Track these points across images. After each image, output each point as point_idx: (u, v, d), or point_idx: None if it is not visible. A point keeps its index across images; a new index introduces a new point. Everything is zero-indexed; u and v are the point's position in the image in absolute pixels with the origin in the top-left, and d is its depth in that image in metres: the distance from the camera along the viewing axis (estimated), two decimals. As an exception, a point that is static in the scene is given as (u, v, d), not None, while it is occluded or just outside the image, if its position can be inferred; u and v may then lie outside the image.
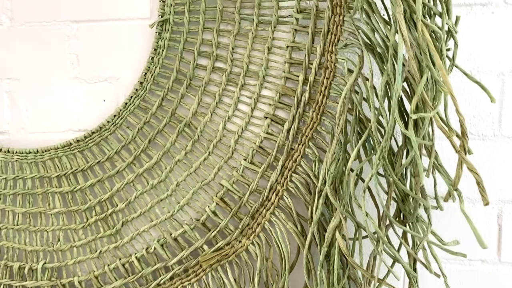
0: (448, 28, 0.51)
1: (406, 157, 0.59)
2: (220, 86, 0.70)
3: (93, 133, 0.73)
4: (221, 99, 0.70)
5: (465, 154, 0.48)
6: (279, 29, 0.68)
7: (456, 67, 0.52)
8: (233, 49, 0.69)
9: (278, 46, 0.68)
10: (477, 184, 0.45)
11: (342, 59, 0.61)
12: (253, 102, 0.69)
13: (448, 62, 0.52)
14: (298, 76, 0.67)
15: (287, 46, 0.67)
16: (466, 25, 0.63)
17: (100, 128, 0.72)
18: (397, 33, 0.51)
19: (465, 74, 0.52)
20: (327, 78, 0.64)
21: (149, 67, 0.71)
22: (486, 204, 0.44)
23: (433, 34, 0.50)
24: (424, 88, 0.49)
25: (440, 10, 0.51)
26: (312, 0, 0.64)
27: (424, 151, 0.59)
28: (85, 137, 0.73)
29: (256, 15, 0.68)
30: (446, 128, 0.47)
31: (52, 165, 0.74)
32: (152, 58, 0.71)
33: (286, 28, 0.68)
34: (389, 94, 0.56)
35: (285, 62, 0.68)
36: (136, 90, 0.71)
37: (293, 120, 0.67)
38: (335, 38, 0.63)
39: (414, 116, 0.46)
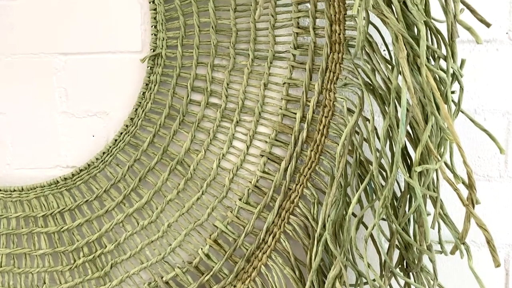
0: (453, 72, 0.49)
1: (409, 201, 0.56)
2: (215, 122, 0.67)
3: (81, 170, 0.70)
4: (216, 136, 0.68)
5: (473, 207, 0.46)
6: (275, 65, 0.65)
7: (462, 112, 0.50)
8: (228, 84, 0.67)
9: (274, 82, 0.66)
10: (487, 242, 0.42)
11: (341, 98, 0.59)
12: (249, 139, 0.66)
13: (453, 107, 0.50)
14: (295, 114, 0.64)
15: (284, 83, 0.65)
16: (470, 62, 0.61)
17: (89, 165, 0.69)
18: (400, 74, 0.49)
19: (472, 120, 0.49)
20: (325, 117, 0.62)
21: (140, 103, 0.68)
22: (498, 266, 0.41)
23: (437, 78, 0.48)
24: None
25: (445, 53, 0.48)
26: (310, 36, 0.62)
27: (429, 197, 0.56)
28: (73, 175, 0.70)
29: (252, 50, 0.65)
30: (453, 181, 0.45)
31: (38, 204, 0.71)
32: (144, 93, 0.68)
33: (283, 64, 0.65)
34: (391, 137, 0.54)
35: (282, 98, 0.65)
36: (126, 126, 0.68)
37: (291, 159, 0.64)
38: (333, 76, 0.60)
39: (418, 169, 0.44)
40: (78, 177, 0.70)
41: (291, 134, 0.65)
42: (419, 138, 0.52)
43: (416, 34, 0.50)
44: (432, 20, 0.51)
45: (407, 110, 0.49)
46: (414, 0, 0.45)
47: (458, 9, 0.47)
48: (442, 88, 0.48)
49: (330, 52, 0.61)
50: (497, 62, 0.61)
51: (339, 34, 0.59)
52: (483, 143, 0.62)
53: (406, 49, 0.47)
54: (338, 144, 0.61)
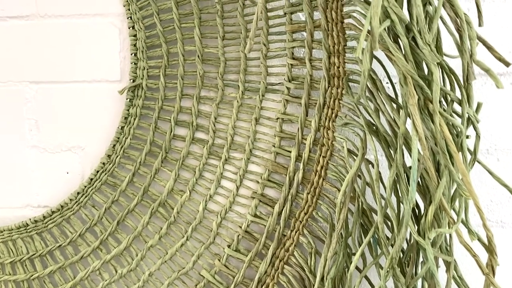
0: (469, 117, 0.43)
1: (417, 252, 0.51)
2: (201, 159, 0.61)
3: (53, 212, 0.63)
4: (202, 175, 0.62)
5: (494, 274, 0.40)
6: (268, 98, 0.60)
7: (479, 162, 0.45)
8: (215, 118, 0.61)
9: (267, 116, 0.60)
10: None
11: (341, 138, 0.54)
12: (239, 179, 0.61)
13: (468, 156, 0.44)
14: (290, 152, 0.59)
15: (277, 118, 0.59)
16: (481, 98, 0.56)
17: (62, 206, 0.63)
18: (409, 117, 0.44)
19: (490, 173, 0.44)
20: (323, 157, 0.56)
21: (118, 138, 0.62)
22: None
23: (450, 125, 0.43)
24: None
25: (460, 97, 0.43)
26: (306, 68, 0.56)
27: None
28: (44, 217, 0.64)
29: (242, 81, 0.60)
30: (470, 246, 0.39)
31: (5, 249, 0.64)
32: (122, 127, 0.62)
33: (276, 97, 0.60)
34: (398, 188, 0.48)
35: (275, 135, 0.59)
36: (103, 164, 0.62)
37: (285, 201, 0.59)
38: (332, 113, 0.55)
39: (432, 235, 0.38)
40: (50, 220, 0.64)
41: (286, 175, 0.59)
42: (429, 188, 0.47)
43: (426, 73, 0.44)
44: (444, 57, 0.46)
45: (418, 159, 0.43)
46: (425, 38, 0.40)
47: (475, 47, 0.42)
48: (456, 136, 0.43)
49: (328, 87, 0.55)
50: (511, 98, 0.56)
51: (338, 67, 0.54)
52: (496, 187, 0.57)
53: (417, 92, 0.42)
54: (338, 189, 0.55)
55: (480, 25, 0.44)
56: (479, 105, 0.45)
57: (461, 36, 0.41)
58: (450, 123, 0.41)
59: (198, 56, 0.60)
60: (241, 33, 0.59)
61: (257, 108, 0.60)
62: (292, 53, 0.58)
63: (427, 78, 0.43)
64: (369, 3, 0.48)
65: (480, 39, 0.43)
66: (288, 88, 0.58)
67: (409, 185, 0.40)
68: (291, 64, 0.58)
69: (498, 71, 0.56)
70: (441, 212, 0.44)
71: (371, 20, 0.37)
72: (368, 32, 0.40)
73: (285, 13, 0.57)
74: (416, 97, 0.40)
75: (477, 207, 0.39)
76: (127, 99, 0.62)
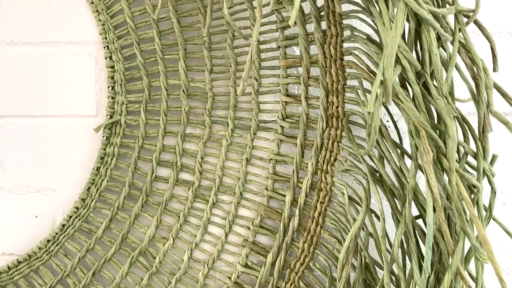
0: (484, 170, 0.40)
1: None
2: (186, 203, 0.57)
3: (20, 262, 0.57)
4: (187, 220, 0.57)
5: None
6: (260, 137, 0.56)
7: (494, 220, 0.42)
8: (202, 158, 0.56)
9: (259, 156, 0.56)
10: None
11: (341, 184, 0.50)
12: (228, 225, 0.56)
13: (483, 212, 0.41)
14: (284, 196, 0.55)
15: (271, 159, 0.55)
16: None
17: (30, 256, 0.57)
18: (419, 169, 0.40)
19: (506, 231, 0.41)
20: (321, 202, 0.52)
21: (93, 180, 0.57)
22: None
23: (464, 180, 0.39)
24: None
25: (475, 150, 0.40)
26: (301, 106, 0.52)
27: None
28: (9, 268, 0.57)
29: (232, 118, 0.55)
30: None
31: (-37, 304, 0.58)
32: (98, 168, 0.57)
33: (269, 135, 0.56)
34: (404, 242, 0.45)
35: (267, 177, 0.55)
36: (77, 208, 0.57)
37: (279, 250, 0.54)
38: (331, 156, 0.51)
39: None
40: (16, 271, 0.57)
41: (280, 221, 0.55)
42: (439, 244, 0.43)
43: (436, 119, 0.41)
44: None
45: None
46: (442, 90, 0.36)
47: (492, 97, 0.39)
48: (470, 192, 0.40)
49: (326, 127, 0.51)
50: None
51: (337, 107, 0.50)
52: (502, 233, 0.54)
53: (430, 146, 0.38)
54: (337, 239, 0.51)
55: (494, 70, 0.41)
56: (494, 157, 0.42)
57: (477, 85, 0.38)
58: (466, 181, 0.38)
59: (183, 90, 0.55)
60: (231, 66, 0.55)
61: (248, 147, 0.55)
62: (287, 90, 0.54)
63: (439, 128, 0.40)
64: (372, 42, 0.45)
65: (496, 85, 0.40)
66: (282, 127, 0.54)
67: (418, 242, 0.37)
68: (286, 102, 0.54)
69: (503, 110, 0.53)
70: (455, 278, 0.40)
71: (384, 71, 0.34)
72: (380, 82, 0.36)
73: (278, 47, 0.53)
74: (431, 155, 0.36)
75: (498, 277, 0.35)
76: (103, 137, 0.56)
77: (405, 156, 0.45)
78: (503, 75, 0.53)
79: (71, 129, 0.58)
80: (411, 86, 0.38)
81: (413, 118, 0.38)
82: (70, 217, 0.57)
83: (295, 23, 0.51)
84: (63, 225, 0.57)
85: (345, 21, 0.49)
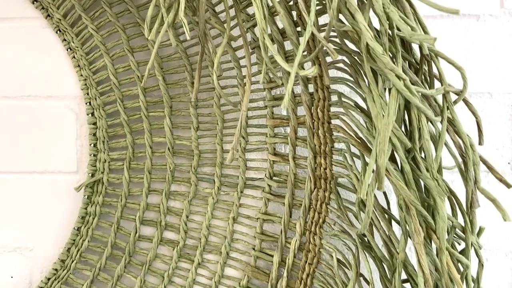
0: (471, 243, 0.41)
1: None
2: (170, 263, 0.56)
3: (-8, 328, 0.55)
4: (171, 281, 0.56)
5: None
6: (247, 194, 0.55)
7: (483, 292, 0.43)
8: (187, 216, 0.56)
9: (246, 215, 0.56)
10: None
11: (330, 247, 0.50)
12: (214, 285, 0.55)
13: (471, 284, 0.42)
14: (272, 256, 0.54)
15: (258, 218, 0.55)
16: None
17: (3, 321, 0.55)
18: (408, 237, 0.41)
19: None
20: (309, 264, 0.53)
21: (74, 240, 0.55)
22: None
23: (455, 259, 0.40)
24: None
25: (463, 224, 0.41)
26: (289, 165, 0.53)
27: None
28: (-19, 334, 0.55)
29: (218, 176, 0.55)
30: None
31: None
32: (79, 228, 0.55)
33: (256, 193, 0.56)
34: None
35: (255, 236, 0.55)
36: (56, 270, 0.55)
37: (266, 312, 0.54)
38: (319, 217, 0.51)
39: None
40: (-12, 337, 0.55)
41: (267, 282, 0.54)
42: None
43: (425, 194, 0.42)
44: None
45: None
46: (433, 174, 0.37)
47: (479, 174, 0.40)
48: (460, 268, 0.41)
49: (315, 188, 0.52)
50: (499, 193, 0.55)
51: (325, 169, 0.51)
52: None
53: (419, 222, 0.39)
54: (326, 302, 0.51)
55: (480, 143, 0.43)
56: (481, 230, 0.43)
57: (465, 163, 0.39)
58: (455, 258, 0.39)
59: (169, 148, 0.55)
60: (217, 124, 0.55)
61: (234, 205, 0.55)
62: (274, 149, 0.54)
63: (427, 202, 0.41)
64: (361, 109, 0.46)
65: (482, 159, 0.42)
66: (269, 186, 0.54)
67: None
68: (273, 161, 0.54)
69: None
70: None
71: (377, 158, 0.34)
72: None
73: (266, 106, 0.53)
74: (422, 235, 0.37)
75: None
76: (84, 195, 0.55)
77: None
78: (485, 137, 0.55)
79: (50, 186, 0.57)
80: (403, 166, 0.39)
81: (403, 195, 0.39)
82: (49, 279, 0.55)
83: (282, 83, 0.51)
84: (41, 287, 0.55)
85: (333, 86, 0.50)
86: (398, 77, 0.35)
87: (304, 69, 0.49)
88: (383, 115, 0.36)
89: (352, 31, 0.39)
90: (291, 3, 0.50)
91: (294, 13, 0.47)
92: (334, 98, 0.49)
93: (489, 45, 0.55)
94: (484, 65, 0.55)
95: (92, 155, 0.55)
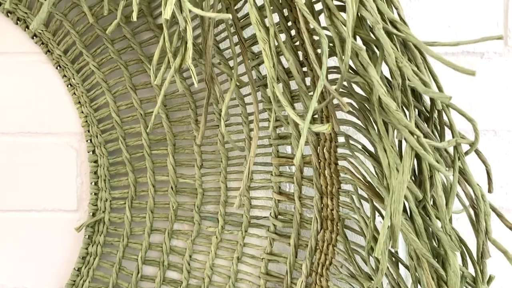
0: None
1: None
2: (173, 303, 0.55)
3: None
4: (174, 321, 0.55)
5: None
6: (251, 233, 0.55)
7: None
8: (190, 256, 0.55)
9: (250, 254, 0.55)
10: None
11: (337, 290, 0.50)
12: (218, 325, 0.55)
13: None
14: (277, 296, 0.54)
15: (263, 258, 0.54)
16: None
17: None
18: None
19: None
20: (315, 305, 0.52)
21: (74, 281, 0.54)
22: None
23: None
24: None
25: (473, 273, 0.41)
26: (294, 205, 0.52)
27: None
28: None
29: (222, 214, 0.55)
30: None
31: None
32: (79, 268, 0.54)
33: (260, 232, 0.55)
34: None
35: (259, 276, 0.55)
36: (55, 312, 0.54)
37: None
38: (326, 259, 0.51)
39: None
40: None
41: (272, 322, 0.54)
42: None
43: (434, 240, 0.42)
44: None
45: None
46: (446, 229, 0.37)
47: (490, 225, 0.40)
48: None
49: (321, 229, 0.52)
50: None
51: (332, 210, 0.50)
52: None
53: (430, 271, 0.39)
54: None
55: (489, 191, 0.43)
56: (491, 278, 0.43)
57: (477, 215, 0.39)
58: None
59: (172, 187, 0.54)
60: (222, 161, 0.54)
61: (239, 244, 0.55)
62: (279, 187, 0.54)
63: (438, 251, 0.41)
64: (369, 153, 0.46)
65: (491, 206, 0.42)
66: (274, 225, 0.54)
67: None
68: (278, 200, 0.54)
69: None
70: None
71: (392, 217, 0.34)
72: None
73: (271, 144, 0.53)
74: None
75: None
76: (85, 235, 0.54)
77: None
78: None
79: (49, 225, 0.56)
80: (414, 218, 0.39)
81: (415, 247, 0.39)
82: (47, 322, 0.54)
83: (288, 123, 0.51)
84: (39, 331, 0.54)
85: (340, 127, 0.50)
86: (412, 133, 0.35)
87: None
88: (396, 169, 0.36)
89: (363, 83, 0.39)
90: (297, 43, 0.50)
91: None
92: (341, 139, 0.49)
93: (493, 82, 0.56)
94: (489, 102, 0.56)
95: (93, 193, 0.54)
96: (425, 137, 0.39)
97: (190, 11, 0.39)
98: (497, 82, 0.56)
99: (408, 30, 0.37)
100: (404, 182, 0.34)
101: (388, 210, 0.34)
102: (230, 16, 0.37)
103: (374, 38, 0.38)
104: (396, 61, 0.36)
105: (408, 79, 0.38)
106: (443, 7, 0.55)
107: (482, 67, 0.56)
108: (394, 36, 0.38)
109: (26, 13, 0.53)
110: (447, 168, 0.39)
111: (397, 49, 0.39)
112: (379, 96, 0.36)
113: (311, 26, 0.42)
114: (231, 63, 0.53)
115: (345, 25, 0.39)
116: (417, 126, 0.38)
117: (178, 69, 0.43)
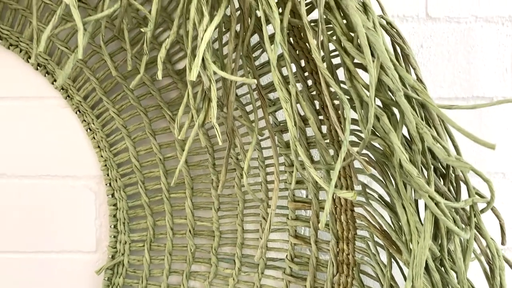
0: None
1: None
2: None
3: None
4: None
5: None
6: (268, 275, 0.56)
7: None
8: (208, 297, 0.57)
9: (266, 295, 0.57)
10: None
11: (353, 333, 0.52)
12: None
13: None
14: (293, 337, 0.56)
15: (279, 299, 0.56)
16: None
17: None
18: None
19: None
20: None
21: (93, 323, 0.56)
22: None
23: None
24: None
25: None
26: (311, 248, 0.54)
27: None
28: None
29: (239, 256, 0.56)
30: None
31: None
32: (99, 310, 0.56)
33: (277, 273, 0.57)
34: None
35: (276, 317, 0.56)
36: None
37: None
38: (342, 302, 0.53)
39: None
40: None
41: None
42: None
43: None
44: None
45: None
46: (463, 281, 0.39)
47: (504, 279, 0.42)
48: None
49: (337, 273, 0.53)
50: None
51: (348, 255, 0.52)
52: None
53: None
54: None
55: (502, 243, 0.45)
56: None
57: (492, 270, 0.41)
58: None
59: (190, 230, 0.56)
60: (238, 205, 0.56)
61: (255, 286, 0.56)
62: (295, 231, 0.55)
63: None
64: (386, 204, 0.47)
65: (505, 259, 0.44)
66: (290, 268, 0.56)
67: None
68: (294, 243, 0.55)
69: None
70: None
71: (414, 280, 0.36)
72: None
73: (287, 188, 0.55)
74: None
75: None
76: (105, 278, 0.56)
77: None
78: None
79: (68, 266, 0.57)
80: (429, 269, 0.41)
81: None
82: None
83: (303, 168, 0.53)
84: None
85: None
86: (432, 198, 0.37)
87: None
88: (417, 230, 0.38)
89: (384, 145, 0.40)
90: (314, 92, 0.52)
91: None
92: (357, 188, 0.51)
93: (501, 127, 0.58)
94: (497, 146, 0.58)
95: (113, 236, 0.56)
96: (442, 195, 0.41)
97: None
98: (505, 126, 0.58)
99: (427, 97, 0.39)
100: (426, 247, 0.36)
101: (410, 273, 0.36)
102: (255, 81, 0.39)
103: (394, 101, 0.40)
104: (416, 127, 0.38)
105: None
106: (453, 53, 0.57)
107: (491, 112, 0.58)
108: (413, 99, 0.40)
109: (46, 59, 0.55)
110: (463, 226, 0.41)
111: (415, 110, 0.40)
112: (400, 160, 0.38)
113: (332, 90, 0.44)
114: (247, 107, 0.55)
115: (365, 88, 0.41)
116: (436, 187, 0.40)
117: (201, 125, 0.44)
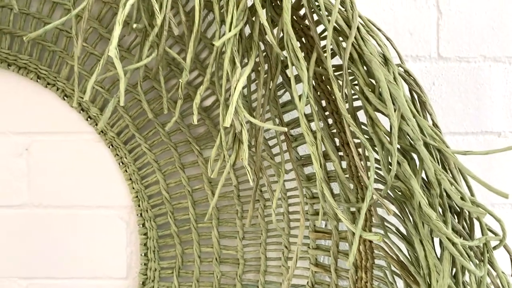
0: None
1: None
2: None
3: None
4: None
5: None
6: (289, 300, 0.60)
7: None
8: (232, 321, 0.60)
9: (288, 319, 0.60)
10: None
11: None
12: None
13: None
14: None
15: (300, 323, 0.60)
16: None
17: None
18: None
19: None
20: None
21: None
22: None
23: None
24: None
25: None
26: (331, 277, 0.58)
27: None
28: None
29: (262, 283, 0.60)
30: None
31: None
32: (130, 334, 0.59)
33: (297, 299, 0.60)
34: None
35: None
36: None
37: None
38: (361, 327, 0.57)
39: None
40: None
41: None
42: None
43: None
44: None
45: None
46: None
47: (516, 311, 0.46)
48: None
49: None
50: None
51: (366, 283, 0.56)
52: None
53: None
54: None
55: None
56: None
57: (504, 303, 0.45)
58: None
59: (216, 258, 0.59)
60: (262, 234, 0.60)
61: (277, 310, 0.60)
62: (316, 259, 0.59)
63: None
64: (404, 237, 0.51)
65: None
66: (311, 294, 0.59)
67: None
68: (315, 271, 0.59)
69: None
70: None
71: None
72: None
73: (307, 219, 0.59)
74: None
75: None
76: (136, 303, 0.59)
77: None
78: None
79: (100, 292, 0.61)
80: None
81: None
82: None
83: (325, 200, 0.57)
84: None
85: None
86: (450, 240, 0.40)
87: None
88: (435, 268, 0.42)
89: (405, 188, 0.44)
90: (334, 130, 0.55)
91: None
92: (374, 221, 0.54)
93: (510, 159, 0.62)
94: (506, 177, 0.62)
95: (143, 263, 0.59)
96: (457, 233, 0.45)
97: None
98: (513, 159, 0.62)
99: (444, 145, 0.43)
100: (445, 285, 0.39)
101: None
102: (286, 129, 0.43)
103: (413, 147, 0.44)
104: (435, 173, 0.42)
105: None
106: (463, 90, 0.61)
107: (499, 145, 0.62)
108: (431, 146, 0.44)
109: (81, 97, 0.59)
110: (477, 262, 0.44)
111: (432, 156, 0.44)
112: (419, 203, 0.42)
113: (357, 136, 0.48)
114: (270, 142, 0.59)
115: (386, 135, 0.45)
116: (452, 226, 0.44)
117: (233, 164, 0.48)
